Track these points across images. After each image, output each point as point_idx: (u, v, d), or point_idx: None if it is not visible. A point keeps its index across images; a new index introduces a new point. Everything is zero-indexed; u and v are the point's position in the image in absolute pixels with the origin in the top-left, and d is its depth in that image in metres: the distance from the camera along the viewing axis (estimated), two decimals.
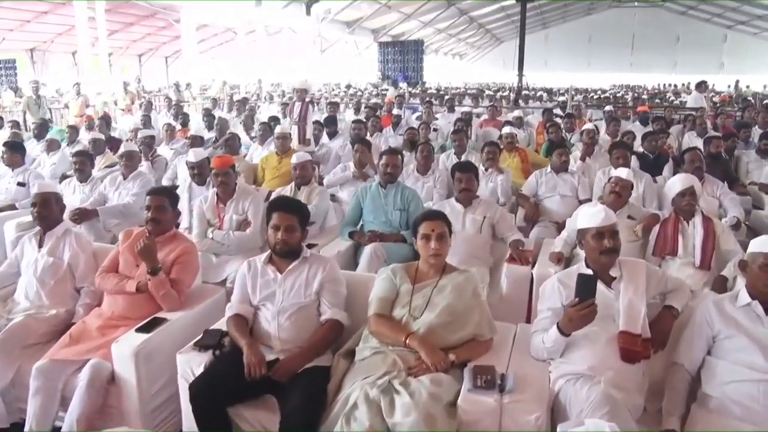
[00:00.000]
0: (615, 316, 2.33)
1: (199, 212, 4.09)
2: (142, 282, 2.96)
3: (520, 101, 12.97)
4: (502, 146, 6.23)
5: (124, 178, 4.98)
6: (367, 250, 3.66)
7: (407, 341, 2.33)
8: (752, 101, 13.39)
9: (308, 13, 25.02)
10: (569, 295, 2.30)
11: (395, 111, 8.91)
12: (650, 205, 4.69)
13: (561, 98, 11.37)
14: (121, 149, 5.07)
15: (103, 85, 15.61)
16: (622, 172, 3.67)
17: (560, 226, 4.34)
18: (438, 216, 2.56)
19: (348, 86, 27.27)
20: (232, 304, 2.75)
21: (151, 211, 3.10)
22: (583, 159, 5.71)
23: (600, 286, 2.35)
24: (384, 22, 31.05)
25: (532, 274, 3.42)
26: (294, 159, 4.42)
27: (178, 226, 4.37)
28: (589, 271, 2.40)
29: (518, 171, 6.03)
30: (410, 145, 6.36)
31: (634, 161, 5.71)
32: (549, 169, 4.96)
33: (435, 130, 8.40)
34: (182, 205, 4.58)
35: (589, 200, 4.72)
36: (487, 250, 3.83)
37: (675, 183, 3.56)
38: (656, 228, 3.56)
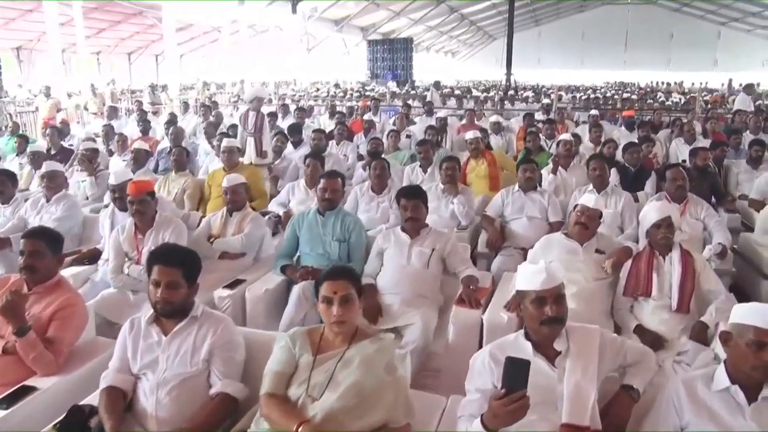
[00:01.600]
0: (558, 402, 1.86)
1: (115, 244, 3.61)
2: (9, 343, 2.48)
3: (506, 103, 12.45)
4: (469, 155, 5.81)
5: (47, 201, 4.47)
6: (295, 290, 3.19)
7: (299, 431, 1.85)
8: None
9: (294, 11, 24.47)
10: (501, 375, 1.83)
11: (367, 116, 8.38)
12: (629, 226, 4.23)
13: (545, 100, 10.83)
14: (43, 168, 4.56)
15: (77, 86, 15.06)
16: (589, 200, 3.19)
17: (527, 254, 3.86)
18: (343, 274, 2.08)
19: (336, 85, 26.80)
20: (108, 373, 2.27)
21: (26, 257, 2.62)
22: (554, 172, 5.23)
23: (541, 363, 1.89)
24: (373, 20, 30.54)
25: (482, 320, 2.95)
26: (225, 182, 3.94)
27: (93, 261, 3.96)
28: (527, 346, 1.92)
29: (486, 179, 5.56)
30: (374, 157, 5.88)
31: (614, 175, 5.26)
32: (517, 187, 4.48)
33: (408, 136, 7.93)
34: (104, 233, 4.13)
35: (561, 223, 4.26)
36: (436, 287, 3.36)
37: (649, 213, 3.09)
38: (628, 263, 3.09)
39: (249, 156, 5.97)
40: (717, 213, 4.27)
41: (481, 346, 2.95)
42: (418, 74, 34.78)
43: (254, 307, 3.33)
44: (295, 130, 7.29)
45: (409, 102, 11.18)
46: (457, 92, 16.07)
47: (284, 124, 9.50)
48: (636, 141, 5.52)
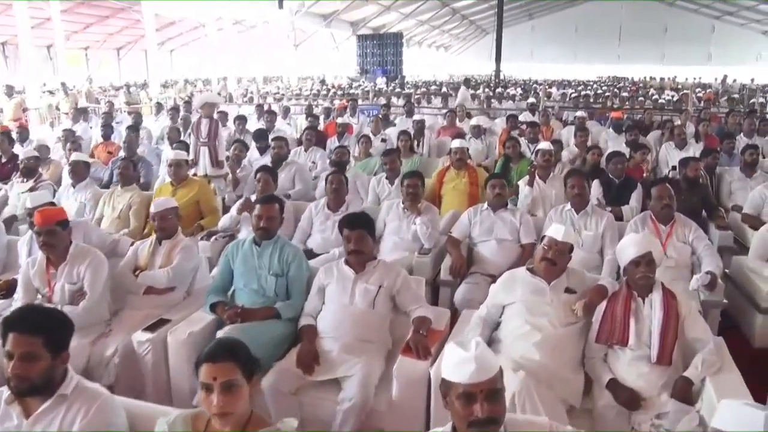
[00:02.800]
0: None
1: (24, 278, 3.19)
2: None
3: (494, 101, 11.97)
4: (449, 163, 5.37)
5: None
6: (218, 336, 2.75)
7: None
8: (737, 97, 12.51)
9: (281, 6, 23.91)
10: None
11: (340, 119, 7.91)
12: (611, 249, 3.80)
13: (531, 99, 10.35)
14: None
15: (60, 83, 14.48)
16: (558, 232, 2.75)
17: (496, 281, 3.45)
18: (226, 355, 1.65)
19: (322, 81, 26.23)
20: None
21: None
22: (531, 184, 4.81)
23: None
24: (362, 15, 29.98)
25: (429, 373, 2.53)
26: (152, 207, 3.49)
27: (9, 294, 3.50)
28: None
29: (464, 196, 5.13)
30: (338, 168, 5.44)
31: (596, 187, 4.84)
32: (485, 205, 4.05)
33: (384, 140, 7.49)
34: (21, 261, 3.69)
35: (534, 245, 3.84)
36: (384, 329, 2.93)
37: (627, 248, 2.66)
38: (602, 305, 2.68)
39: (204, 167, 5.53)
40: (707, 235, 3.86)
41: (429, 404, 2.54)
42: (410, 69, 34.38)
43: (177, 354, 2.89)
44: (261, 135, 6.83)
45: (394, 100, 10.63)
46: (444, 89, 15.43)
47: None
48: (620, 151, 5.06)
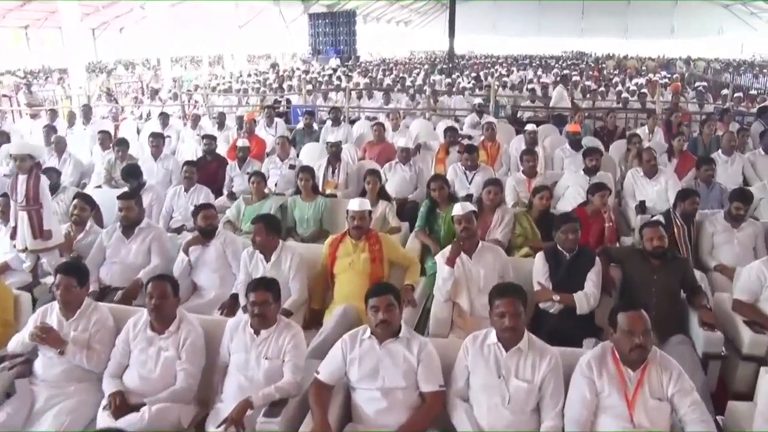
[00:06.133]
0: None
1: None
2: None
3: (439, 98, 10.48)
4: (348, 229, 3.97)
5: None
6: None
7: None
8: (703, 90, 11.39)
9: None
10: None
11: (241, 141, 6.35)
12: (552, 409, 2.52)
13: (477, 100, 8.90)
14: None
15: None
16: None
17: None
18: None
19: (273, 66, 24.22)
20: None
21: None
22: (451, 263, 3.51)
23: None
24: None
25: None
26: None
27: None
28: None
29: (363, 277, 3.73)
30: (206, 235, 4.04)
31: (541, 266, 3.55)
32: (367, 331, 2.70)
33: (292, 167, 6.04)
34: None
35: (441, 394, 2.54)
36: None
37: None
38: None
39: (22, 240, 4.05)
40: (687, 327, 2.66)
41: None
42: (368, 47, 32.49)
43: None
44: (131, 173, 5.32)
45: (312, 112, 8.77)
46: (387, 81, 13.70)
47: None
48: (571, 216, 3.67)
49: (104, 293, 4.01)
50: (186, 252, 3.99)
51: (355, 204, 3.82)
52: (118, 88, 16.94)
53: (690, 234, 4.37)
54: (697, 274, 3.84)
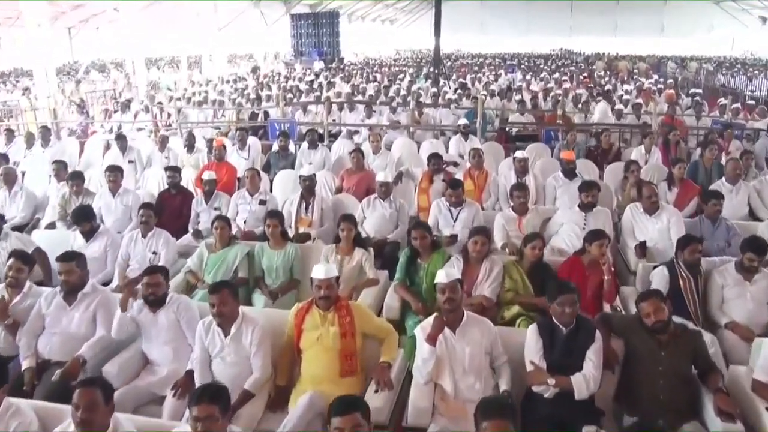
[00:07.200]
0: None
1: None
2: None
3: (424, 110, 9.99)
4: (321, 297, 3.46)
5: None
6: None
7: None
8: (698, 98, 11.01)
9: None
10: None
11: (207, 174, 5.84)
12: None
13: (462, 121, 8.40)
14: None
15: None
16: None
17: None
18: None
19: (254, 69, 23.54)
20: None
21: None
22: (432, 340, 3.06)
23: None
24: None
25: None
26: None
27: None
28: None
29: (333, 355, 3.23)
30: (154, 303, 3.55)
31: (532, 344, 3.10)
32: None
33: (263, 202, 5.55)
34: None
35: None
36: None
37: None
38: None
39: None
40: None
41: None
42: (352, 47, 31.84)
43: None
44: (82, 215, 4.80)
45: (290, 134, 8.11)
46: (370, 92, 13.08)
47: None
48: (569, 286, 3.22)
49: (42, 369, 3.53)
50: (124, 308, 3.51)
51: (320, 272, 3.32)
52: (90, 95, 16.29)
53: (697, 286, 3.96)
54: (707, 337, 3.45)
